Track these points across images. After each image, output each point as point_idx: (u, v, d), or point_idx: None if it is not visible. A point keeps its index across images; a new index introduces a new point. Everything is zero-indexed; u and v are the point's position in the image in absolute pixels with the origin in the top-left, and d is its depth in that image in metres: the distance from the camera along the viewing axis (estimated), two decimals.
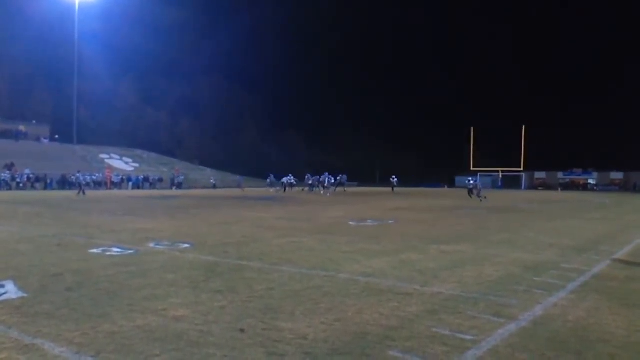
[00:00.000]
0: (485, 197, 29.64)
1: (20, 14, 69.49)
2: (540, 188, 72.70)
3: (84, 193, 32.86)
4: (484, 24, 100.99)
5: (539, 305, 5.38)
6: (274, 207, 22.31)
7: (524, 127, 70.60)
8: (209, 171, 70.65)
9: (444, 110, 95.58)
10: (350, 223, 14.62)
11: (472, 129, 74.45)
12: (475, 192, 31.67)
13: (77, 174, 38.82)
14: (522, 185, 73.44)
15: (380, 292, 5.84)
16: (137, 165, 64.32)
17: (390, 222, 15.30)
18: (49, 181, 46.12)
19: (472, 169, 73.16)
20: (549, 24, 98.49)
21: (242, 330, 4.35)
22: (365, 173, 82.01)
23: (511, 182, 73.85)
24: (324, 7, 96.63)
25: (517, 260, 8.27)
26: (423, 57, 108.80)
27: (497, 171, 74.79)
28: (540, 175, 79.24)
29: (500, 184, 73.69)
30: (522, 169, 72.46)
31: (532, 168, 75.94)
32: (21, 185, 43.61)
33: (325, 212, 19.18)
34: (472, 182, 33.93)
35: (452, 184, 75.71)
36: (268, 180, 49.92)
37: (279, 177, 48.64)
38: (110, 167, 55.95)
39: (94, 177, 47.96)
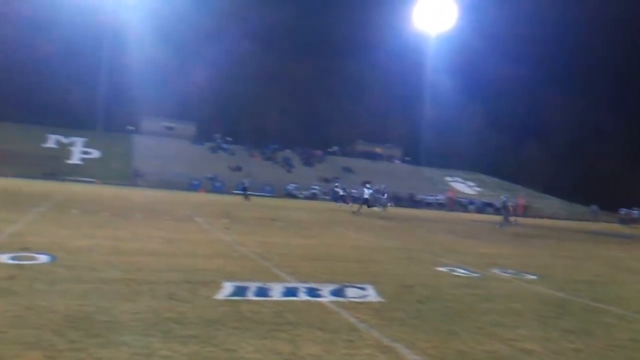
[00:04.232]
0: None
1: (376, 45, 78.85)
2: None
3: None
4: None
5: None
6: (633, 246, 19.47)
7: None
8: (556, 200, 66.38)
9: None
10: None
11: None
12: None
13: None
14: None
15: None
16: (480, 189, 65.27)
17: None
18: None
19: None
20: None
21: None
22: None
23: None
24: None
25: None
26: None
27: None
28: None
29: None
30: None
31: None
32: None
33: None
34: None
35: None
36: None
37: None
38: (454, 190, 58.18)
39: (437, 197, 50.71)
